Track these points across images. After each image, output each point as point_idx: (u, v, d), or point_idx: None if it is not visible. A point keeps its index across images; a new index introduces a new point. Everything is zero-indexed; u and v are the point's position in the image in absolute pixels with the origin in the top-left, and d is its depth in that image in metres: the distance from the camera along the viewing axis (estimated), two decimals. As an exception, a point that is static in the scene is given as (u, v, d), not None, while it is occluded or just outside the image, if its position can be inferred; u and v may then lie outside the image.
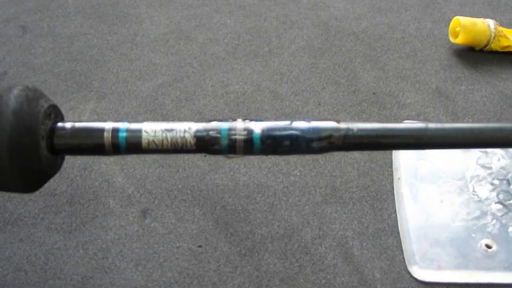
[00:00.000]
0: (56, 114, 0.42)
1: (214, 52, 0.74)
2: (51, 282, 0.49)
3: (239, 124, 0.40)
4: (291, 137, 0.40)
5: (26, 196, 0.55)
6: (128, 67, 0.72)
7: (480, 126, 0.43)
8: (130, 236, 0.52)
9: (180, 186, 0.57)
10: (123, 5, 0.83)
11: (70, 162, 0.59)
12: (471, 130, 0.42)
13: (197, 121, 0.41)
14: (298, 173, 0.58)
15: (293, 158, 0.59)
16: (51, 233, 0.53)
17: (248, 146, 0.40)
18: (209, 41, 0.76)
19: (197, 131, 0.40)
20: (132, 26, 0.79)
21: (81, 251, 0.51)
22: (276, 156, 0.59)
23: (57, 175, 0.57)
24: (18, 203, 0.55)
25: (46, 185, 0.56)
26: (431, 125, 0.42)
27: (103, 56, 0.73)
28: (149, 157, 0.60)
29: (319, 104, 0.67)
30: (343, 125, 0.40)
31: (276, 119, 0.41)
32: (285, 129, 0.40)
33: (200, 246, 0.52)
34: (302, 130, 0.40)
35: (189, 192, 0.56)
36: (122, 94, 0.68)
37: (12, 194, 0.55)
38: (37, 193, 0.56)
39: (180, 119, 0.64)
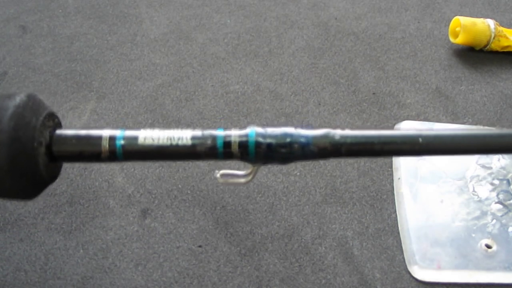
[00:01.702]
0: (55, 122, 0.42)
1: (214, 52, 0.74)
2: (51, 282, 0.49)
3: (235, 130, 0.41)
4: (284, 144, 0.40)
5: (26, 196, 0.55)
6: (128, 67, 0.72)
7: (473, 133, 0.43)
8: (130, 236, 0.52)
9: (180, 186, 0.57)
10: (123, 5, 0.83)
11: (70, 162, 0.59)
12: (463, 138, 0.42)
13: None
14: (298, 173, 0.58)
15: (293, 158, 0.59)
16: (51, 233, 0.53)
17: (243, 149, 0.40)
18: (209, 41, 0.76)
19: (193, 137, 0.41)
20: (132, 26, 0.79)
21: (81, 251, 0.51)
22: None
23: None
24: (18, 203, 0.55)
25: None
26: (425, 133, 0.42)
27: (103, 56, 0.73)
28: (149, 157, 0.60)
29: (319, 104, 0.67)
30: (338, 132, 0.41)
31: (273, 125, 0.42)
32: (280, 135, 0.40)
33: (200, 246, 0.52)
34: (298, 136, 0.40)
35: (189, 192, 0.56)
36: (122, 94, 0.68)
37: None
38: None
39: (180, 119, 0.64)
